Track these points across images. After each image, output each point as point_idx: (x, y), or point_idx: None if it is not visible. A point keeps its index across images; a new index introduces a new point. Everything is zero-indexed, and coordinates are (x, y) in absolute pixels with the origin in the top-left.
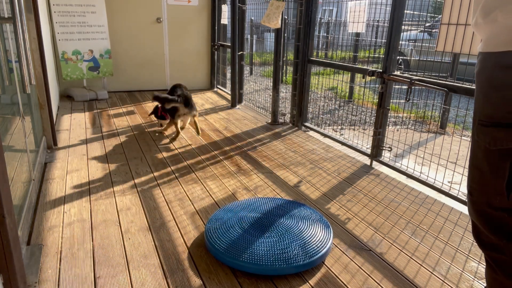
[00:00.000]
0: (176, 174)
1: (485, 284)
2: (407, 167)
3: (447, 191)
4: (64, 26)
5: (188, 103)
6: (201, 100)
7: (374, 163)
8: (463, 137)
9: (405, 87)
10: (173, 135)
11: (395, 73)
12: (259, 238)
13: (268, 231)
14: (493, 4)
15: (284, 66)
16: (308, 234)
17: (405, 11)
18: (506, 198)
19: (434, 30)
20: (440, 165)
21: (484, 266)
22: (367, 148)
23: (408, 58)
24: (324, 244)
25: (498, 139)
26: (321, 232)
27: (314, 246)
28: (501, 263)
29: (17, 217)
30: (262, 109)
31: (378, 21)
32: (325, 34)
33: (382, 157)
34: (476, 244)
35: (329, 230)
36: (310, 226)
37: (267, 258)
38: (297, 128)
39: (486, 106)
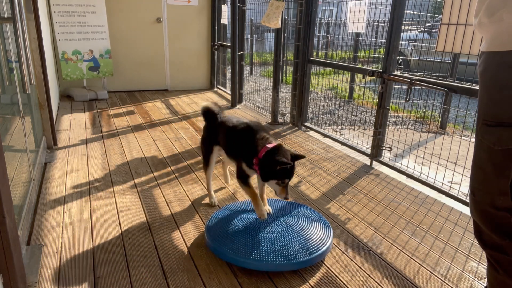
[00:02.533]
0: (176, 174)
1: (485, 284)
2: (407, 167)
3: (447, 191)
4: (64, 26)
5: None
6: (201, 100)
7: (374, 163)
8: (463, 137)
9: (405, 87)
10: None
11: (395, 73)
12: (260, 235)
13: (269, 229)
14: (498, 4)
15: (284, 66)
16: (308, 232)
17: (405, 11)
18: (510, 198)
19: (434, 30)
20: (440, 165)
21: (485, 266)
22: (367, 148)
23: (408, 58)
24: (324, 242)
25: (503, 139)
26: (321, 231)
27: (314, 243)
28: (504, 263)
29: (17, 217)
30: (262, 109)
31: (378, 21)
32: (325, 34)
33: (382, 157)
34: (476, 244)
35: (329, 229)
36: (310, 225)
37: (267, 255)
38: (297, 128)
39: (490, 106)
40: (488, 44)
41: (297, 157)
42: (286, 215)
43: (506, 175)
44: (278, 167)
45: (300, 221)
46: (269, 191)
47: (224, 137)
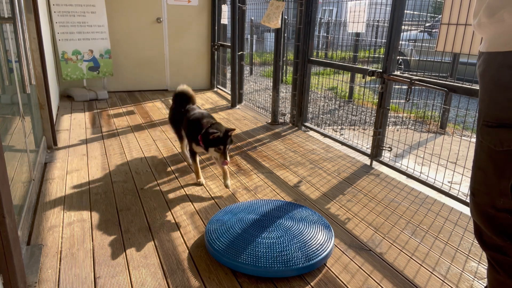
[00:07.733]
0: (176, 174)
1: (485, 284)
2: (407, 167)
3: (447, 191)
4: (64, 26)
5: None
6: (201, 100)
7: (374, 163)
8: (463, 137)
9: (405, 87)
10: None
11: (395, 73)
12: (260, 240)
13: (269, 234)
14: (498, 4)
15: (284, 66)
16: (310, 237)
17: (405, 11)
18: (511, 199)
19: (434, 30)
20: (440, 165)
21: (484, 266)
22: (367, 148)
23: (408, 58)
24: (325, 248)
25: (505, 140)
26: (322, 236)
27: (315, 249)
28: (504, 264)
29: (17, 217)
30: (262, 109)
31: (378, 21)
32: (325, 34)
33: (382, 157)
34: (476, 244)
35: (330, 233)
36: (312, 230)
37: (266, 261)
38: (297, 128)
39: (491, 107)
40: (488, 45)
41: (228, 130)
42: (287, 220)
43: (507, 176)
44: (210, 137)
45: (301, 226)
46: (269, 191)
47: (185, 123)
